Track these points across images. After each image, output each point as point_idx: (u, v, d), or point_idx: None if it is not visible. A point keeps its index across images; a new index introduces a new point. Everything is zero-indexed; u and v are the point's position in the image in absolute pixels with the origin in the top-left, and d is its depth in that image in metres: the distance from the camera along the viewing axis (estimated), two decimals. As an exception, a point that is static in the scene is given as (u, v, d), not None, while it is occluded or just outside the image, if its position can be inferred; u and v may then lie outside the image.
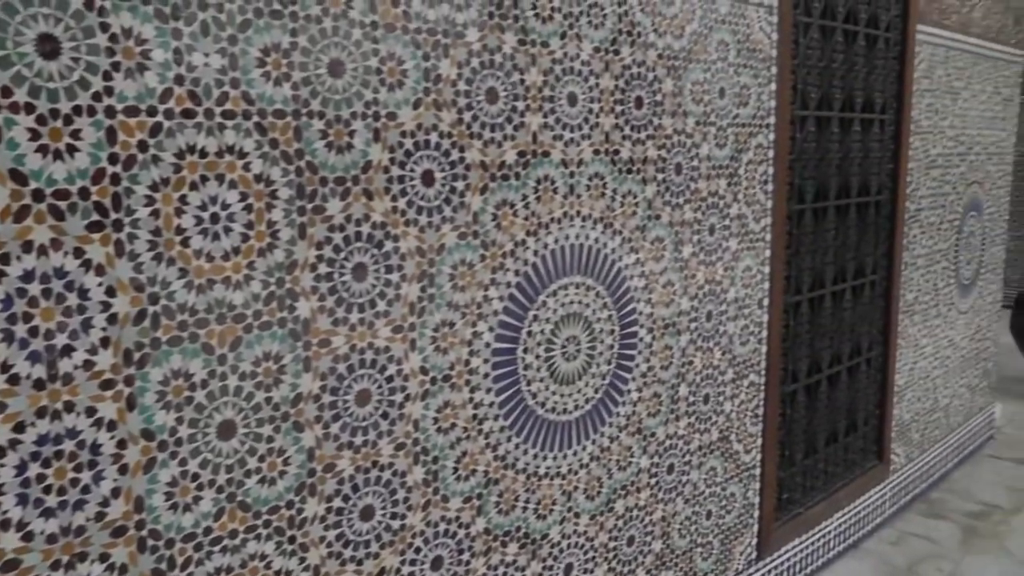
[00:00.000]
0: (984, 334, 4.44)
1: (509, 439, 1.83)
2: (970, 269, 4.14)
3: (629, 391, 2.12)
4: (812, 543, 3.05)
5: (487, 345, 1.76)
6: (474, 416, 1.76)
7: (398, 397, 1.61)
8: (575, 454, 1.99)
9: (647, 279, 2.13)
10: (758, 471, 2.69)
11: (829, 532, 3.15)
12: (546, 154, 1.82)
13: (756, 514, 2.70)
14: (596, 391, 2.02)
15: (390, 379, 1.59)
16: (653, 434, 2.22)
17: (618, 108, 1.98)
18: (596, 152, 1.94)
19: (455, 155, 1.65)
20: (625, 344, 2.09)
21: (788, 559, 2.90)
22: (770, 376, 2.69)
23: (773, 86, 2.49)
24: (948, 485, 4.02)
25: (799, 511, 2.98)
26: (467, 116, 1.66)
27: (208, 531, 1.37)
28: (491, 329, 1.76)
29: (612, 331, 2.04)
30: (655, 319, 2.18)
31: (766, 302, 2.62)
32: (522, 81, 1.75)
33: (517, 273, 1.79)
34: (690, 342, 2.32)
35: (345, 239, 1.49)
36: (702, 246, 2.32)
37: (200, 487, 1.35)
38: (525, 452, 1.87)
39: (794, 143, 2.70)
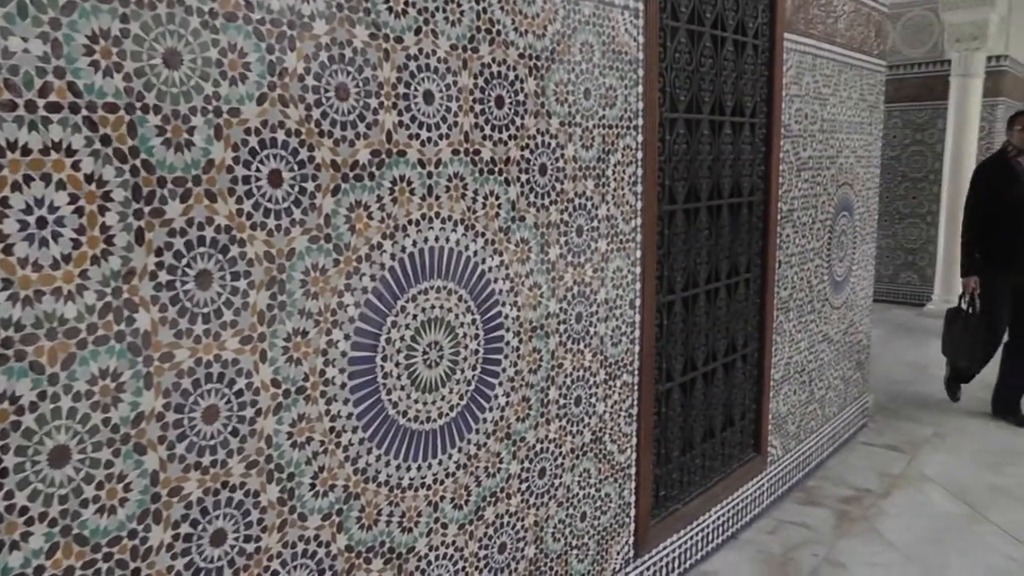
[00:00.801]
0: (857, 328, 4.64)
1: (370, 451, 1.78)
2: (843, 266, 4.32)
3: (496, 396, 2.10)
4: (691, 538, 3.10)
5: (343, 354, 1.70)
6: (331, 429, 1.70)
7: (249, 412, 1.54)
8: (441, 463, 1.96)
9: (512, 282, 2.12)
10: (633, 470, 2.71)
11: (707, 526, 3.22)
12: (402, 154, 1.77)
13: (632, 513, 2.73)
14: (461, 397, 1.99)
15: (239, 393, 1.52)
16: (523, 439, 2.20)
17: (478, 107, 1.95)
18: (455, 152, 1.90)
19: (304, 154, 1.58)
20: (491, 348, 2.06)
21: (666, 555, 2.95)
22: (644, 375, 2.72)
23: (640, 88, 2.52)
24: (823, 473, 4.18)
25: (677, 507, 3.03)
26: (316, 113, 1.60)
27: (40, 570, 1.26)
28: (347, 337, 1.70)
29: (476, 335, 2.01)
30: (522, 322, 2.16)
31: (637, 302, 2.65)
32: (375, 77, 1.70)
33: (373, 278, 1.74)
34: (559, 344, 2.32)
35: (187, 244, 1.41)
36: (570, 247, 2.32)
37: (30, 521, 1.25)
38: (387, 464, 1.82)
39: (664, 145, 2.74)
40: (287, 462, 1.62)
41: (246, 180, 1.49)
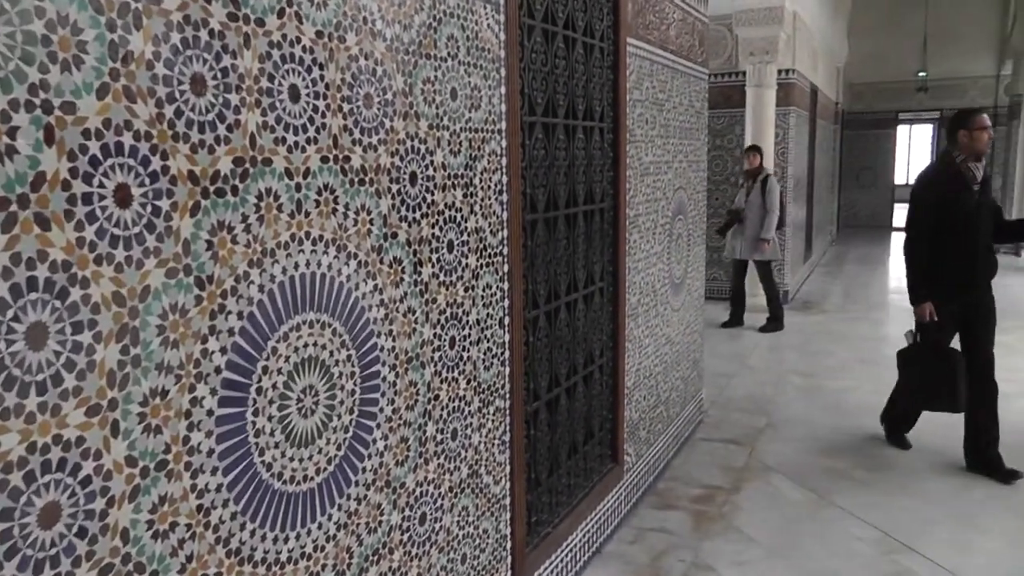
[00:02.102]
0: (693, 327, 4.75)
1: (243, 527, 1.46)
2: (680, 268, 4.38)
3: (375, 440, 1.82)
4: (561, 560, 2.96)
5: (209, 413, 1.37)
6: (199, 507, 1.36)
7: (99, 504, 1.18)
8: (320, 527, 1.66)
9: (387, 308, 1.86)
10: (508, 500, 2.52)
11: (575, 545, 3.09)
12: (267, 162, 1.47)
13: (509, 545, 2.54)
14: (339, 447, 1.70)
15: (86, 481, 1.16)
16: (403, 484, 1.94)
17: (346, 107, 1.68)
18: (324, 159, 1.62)
19: (156, 163, 1.24)
20: (367, 387, 1.79)
21: (542, 584, 2.79)
22: (514, 398, 2.54)
23: (503, 89, 2.34)
24: (671, 473, 4.21)
25: (548, 531, 2.88)
26: (169, 111, 1.26)
27: None
28: (213, 392, 1.37)
29: (352, 373, 1.73)
30: (397, 353, 1.91)
31: (507, 320, 2.46)
32: (235, 67, 1.39)
33: (241, 316, 1.42)
34: (435, 374, 2.08)
35: (13, 290, 1.05)
36: (442, 265, 2.09)
37: None
38: (263, 538, 1.50)
39: (524, 150, 2.58)
40: (149, 558, 1.27)
41: (87, 199, 1.14)
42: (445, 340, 2.13)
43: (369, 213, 1.77)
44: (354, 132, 1.71)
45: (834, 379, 5.87)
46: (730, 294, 7.80)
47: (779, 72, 8.01)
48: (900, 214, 18.05)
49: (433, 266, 2.06)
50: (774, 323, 7.44)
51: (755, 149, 7.39)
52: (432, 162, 2.03)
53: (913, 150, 23.38)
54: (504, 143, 2.38)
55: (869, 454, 4.41)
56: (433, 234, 2.05)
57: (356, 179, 1.72)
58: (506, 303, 2.45)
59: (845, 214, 16.26)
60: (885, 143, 16.81)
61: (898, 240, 15.24)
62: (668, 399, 4.29)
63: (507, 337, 2.47)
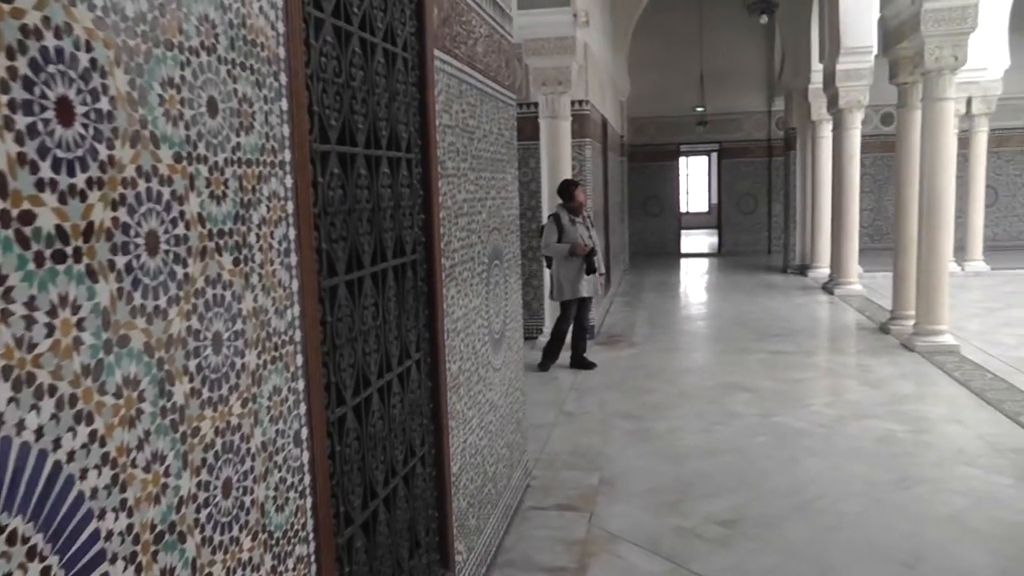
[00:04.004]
0: (515, 385, 4.18)
1: None
2: (499, 322, 3.80)
3: None
4: None
5: None
6: None
7: None
8: None
9: (115, 466, 1.08)
10: None
11: None
12: None
13: None
14: None
15: None
16: None
17: (22, 120, 0.91)
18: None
19: None
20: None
21: None
22: (321, 537, 1.80)
23: (285, 103, 1.63)
24: (505, 557, 3.59)
25: None
26: None
27: None
28: None
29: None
30: (138, 533, 1.13)
31: (305, 433, 1.73)
32: None
33: None
34: (203, 544, 1.31)
35: None
36: (204, 375, 1.34)
37: None
38: None
39: (317, 191, 1.87)
40: None
41: None
42: (215, 488, 1.37)
43: (76, 310, 1.00)
44: (40, 167, 0.94)
45: (661, 419, 5.55)
46: (554, 336, 7.17)
47: (572, 103, 7.79)
48: (687, 240, 19.06)
49: (191, 379, 1.30)
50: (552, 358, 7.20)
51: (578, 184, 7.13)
52: (183, 214, 1.29)
53: (691, 180, 24.96)
54: (289, 181, 1.66)
55: (716, 504, 4.04)
56: (189, 328, 1.30)
57: (46, 253, 0.95)
58: (302, 409, 1.72)
59: (635, 242, 16.73)
60: (669, 173, 17.54)
61: (688, 266, 15.90)
62: (495, 473, 3.68)
63: (306, 456, 1.73)
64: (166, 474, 1.24)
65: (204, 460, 1.35)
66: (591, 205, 8.39)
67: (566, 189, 6.94)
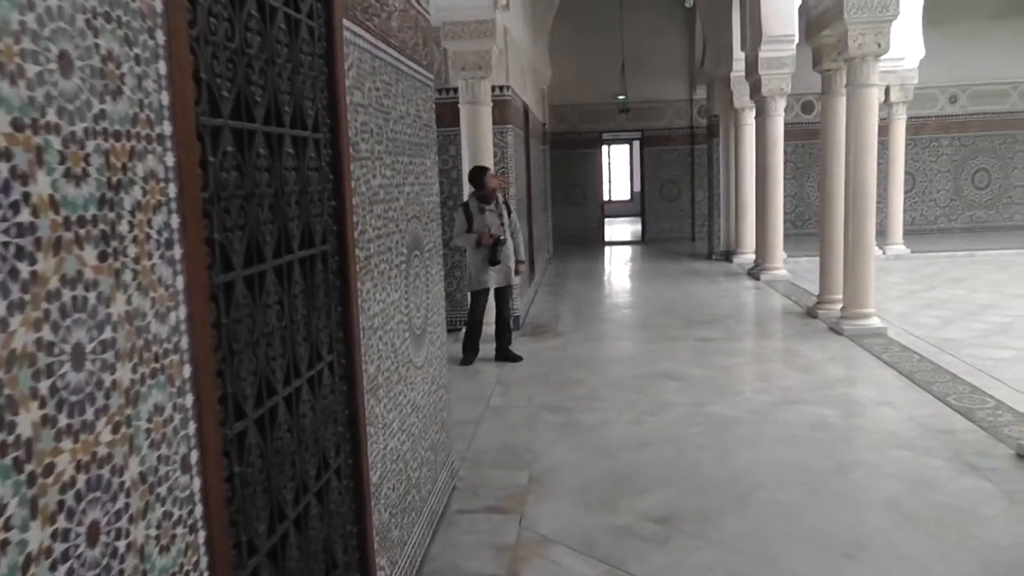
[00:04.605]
0: (439, 383, 3.96)
1: None
2: (420, 316, 3.57)
3: None
4: None
5: None
6: None
7: None
8: None
9: None
10: None
11: None
12: None
13: None
14: None
15: None
16: None
17: None
18: None
19: None
20: None
21: None
22: (216, 570, 1.55)
23: (163, 66, 1.36)
24: (432, 567, 3.37)
25: None
26: None
27: None
28: None
29: None
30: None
31: (195, 457, 1.47)
32: None
33: None
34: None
35: None
36: (61, 398, 1.08)
37: None
38: None
39: (208, 171, 1.61)
40: None
41: None
42: (78, 536, 1.12)
43: None
44: None
45: (590, 411, 5.40)
46: (468, 327, 6.98)
47: (493, 88, 7.57)
48: (611, 228, 19.06)
49: (42, 405, 1.04)
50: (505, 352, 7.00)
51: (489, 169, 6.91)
52: (27, 196, 1.03)
53: (614, 168, 25.01)
54: (171, 159, 1.40)
55: (651, 499, 3.91)
56: (39, 341, 1.04)
57: None
58: (191, 428, 1.46)
59: (558, 231, 16.62)
60: (591, 161, 17.47)
61: (612, 254, 15.89)
62: (419, 479, 3.45)
63: (196, 484, 1.48)
64: (6, 527, 0.98)
65: (62, 504, 1.09)
66: (515, 192, 8.20)
67: (476, 176, 6.76)
